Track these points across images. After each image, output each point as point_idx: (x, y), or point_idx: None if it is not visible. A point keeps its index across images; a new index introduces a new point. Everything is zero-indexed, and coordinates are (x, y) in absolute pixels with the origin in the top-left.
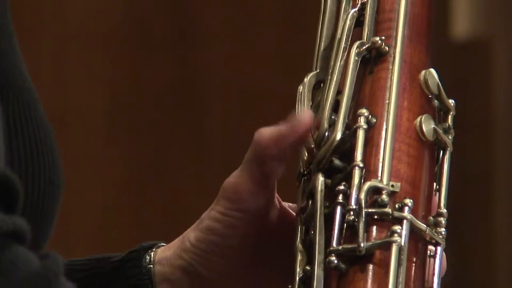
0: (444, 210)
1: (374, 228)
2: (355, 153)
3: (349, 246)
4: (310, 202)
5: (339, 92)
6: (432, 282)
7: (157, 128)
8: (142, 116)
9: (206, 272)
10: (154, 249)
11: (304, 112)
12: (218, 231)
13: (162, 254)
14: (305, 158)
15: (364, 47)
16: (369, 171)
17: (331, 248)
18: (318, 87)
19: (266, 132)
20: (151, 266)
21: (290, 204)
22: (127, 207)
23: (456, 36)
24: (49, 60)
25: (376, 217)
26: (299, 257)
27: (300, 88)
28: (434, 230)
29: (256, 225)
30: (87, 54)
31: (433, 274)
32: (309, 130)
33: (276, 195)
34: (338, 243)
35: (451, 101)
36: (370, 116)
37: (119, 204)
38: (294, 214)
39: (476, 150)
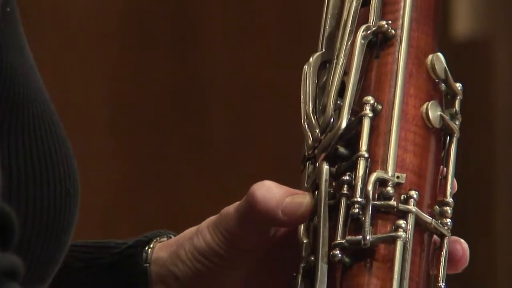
0: (450, 200)
1: (379, 221)
2: (360, 142)
3: (354, 237)
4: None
5: (345, 73)
6: (438, 275)
7: (157, 128)
8: (142, 116)
9: (199, 286)
10: (151, 245)
11: (306, 203)
12: (208, 257)
13: (159, 254)
14: (310, 142)
15: (370, 31)
16: (374, 161)
17: (336, 242)
18: (324, 67)
19: (270, 198)
20: (147, 265)
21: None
22: (127, 207)
23: (456, 36)
24: (49, 60)
25: (381, 209)
26: (303, 246)
27: (306, 67)
28: (440, 221)
29: (248, 260)
30: (87, 54)
31: (439, 266)
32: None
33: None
34: (343, 237)
35: (458, 85)
36: (375, 104)
37: (119, 204)
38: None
39: (476, 150)
